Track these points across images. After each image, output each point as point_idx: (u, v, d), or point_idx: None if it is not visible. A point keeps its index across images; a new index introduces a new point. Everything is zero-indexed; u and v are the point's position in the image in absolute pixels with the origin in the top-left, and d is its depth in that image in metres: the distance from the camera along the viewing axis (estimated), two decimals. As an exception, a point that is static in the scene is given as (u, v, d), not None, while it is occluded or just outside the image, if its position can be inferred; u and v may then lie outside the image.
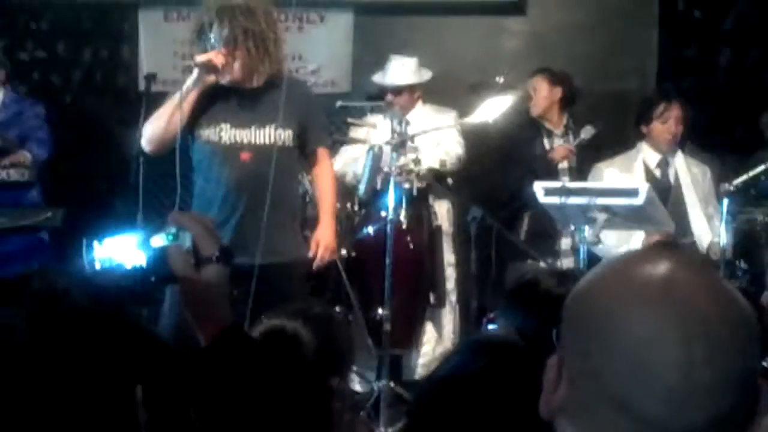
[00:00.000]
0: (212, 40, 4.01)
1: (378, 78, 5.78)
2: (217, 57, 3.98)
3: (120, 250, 1.57)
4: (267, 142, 4.09)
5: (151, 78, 6.25)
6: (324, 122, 4.47)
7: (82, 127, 6.72)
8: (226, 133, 4.09)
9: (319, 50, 6.81)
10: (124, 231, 1.59)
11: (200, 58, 4.00)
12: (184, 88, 4.03)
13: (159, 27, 6.89)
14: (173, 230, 1.55)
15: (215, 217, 3.87)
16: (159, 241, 1.56)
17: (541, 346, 1.46)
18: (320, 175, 4.36)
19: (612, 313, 1.07)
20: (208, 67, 4.00)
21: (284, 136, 4.10)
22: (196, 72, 4.02)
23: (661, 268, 1.09)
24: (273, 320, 2.48)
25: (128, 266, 1.56)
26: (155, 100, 6.48)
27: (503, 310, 2.57)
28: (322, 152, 4.33)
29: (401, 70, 5.65)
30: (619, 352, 1.05)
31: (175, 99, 4.06)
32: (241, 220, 4.04)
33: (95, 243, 1.57)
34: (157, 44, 6.88)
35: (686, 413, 1.03)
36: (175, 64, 6.87)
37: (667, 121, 5.31)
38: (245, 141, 4.09)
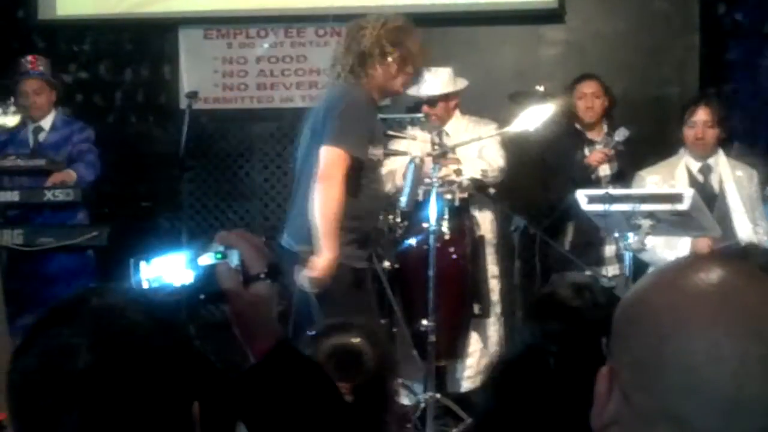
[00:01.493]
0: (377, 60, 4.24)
1: (413, 91, 5.76)
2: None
3: (168, 270, 1.58)
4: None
5: (192, 96, 6.33)
6: None
7: (125, 147, 6.79)
8: (380, 151, 4.39)
9: (357, 64, 6.83)
10: (171, 250, 1.59)
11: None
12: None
13: (199, 45, 6.96)
14: (221, 249, 1.56)
15: (372, 226, 4.31)
16: (207, 259, 1.56)
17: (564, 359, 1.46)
18: None
19: (665, 327, 1.05)
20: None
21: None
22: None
23: (714, 277, 1.07)
24: (338, 338, 2.59)
25: (176, 285, 1.57)
26: (196, 117, 6.59)
27: (524, 325, 2.59)
28: None
29: (434, 80, 5.63)
30: (673, 367, 1.04)
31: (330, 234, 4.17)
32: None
33: (142, 263, 1.58)
34: (198, 62, 6.95)
35: (742, 428, 1.02)
36: (216, 82, 6.94)
37: (694, 126, 5.24)
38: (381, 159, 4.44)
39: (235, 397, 1.48)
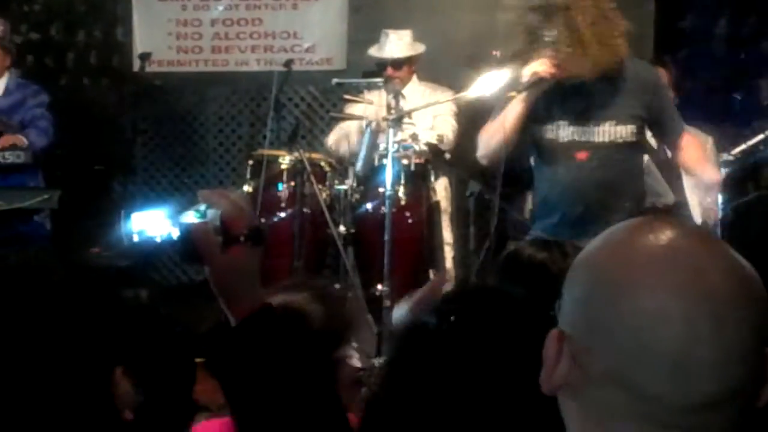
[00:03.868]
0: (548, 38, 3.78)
1: (374, 51, 5.77)
2: (543, 67, 3.75)
3: (155, 224, 1.52)
4: (606, 140, 3.84)
5: (145, 58, 6.25)
6: (673, 106, 4.16)
7: (77, 109, 6.70)
8: (564, 131, 3.87)
9: (313, 28, 6.79)
10: (155, 206, 1.53)
11: (528, 72, 3.78)
12: (518, 100, 3.84)
13: (152, 7, 6.86)
14: (202, 207, 1.47)
15: (551, 216, 3.86)
16: (189, 217, 1.48)
17: (535, 313, 1.46)
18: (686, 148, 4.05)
19: (613, 288, 1.04)
20: (538, 81, 3.76)
21: (623, 132, 3.85)
22: (526, 88, 3.77)
23: (664, 238, 1.05)
24: (285, 296, 2.54)
25: (158, 240, 1.50)
26: (149, 80, 6.51)
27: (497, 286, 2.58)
28: (684, 137, 4.03)
29: (399, 43, 5.67)
30: (621, 328, 1.03)
31: (506, 113, 3.87)
32: (581, 220, 3.79)
33: (134, 215, 1.52)
34: (151, 24, 6.86)
35: (690, 390, 1.01)
36: (170, 44, 6.86)
37: None
38: (582, 139, 3.85)
39: (212, 356, 1.43)
